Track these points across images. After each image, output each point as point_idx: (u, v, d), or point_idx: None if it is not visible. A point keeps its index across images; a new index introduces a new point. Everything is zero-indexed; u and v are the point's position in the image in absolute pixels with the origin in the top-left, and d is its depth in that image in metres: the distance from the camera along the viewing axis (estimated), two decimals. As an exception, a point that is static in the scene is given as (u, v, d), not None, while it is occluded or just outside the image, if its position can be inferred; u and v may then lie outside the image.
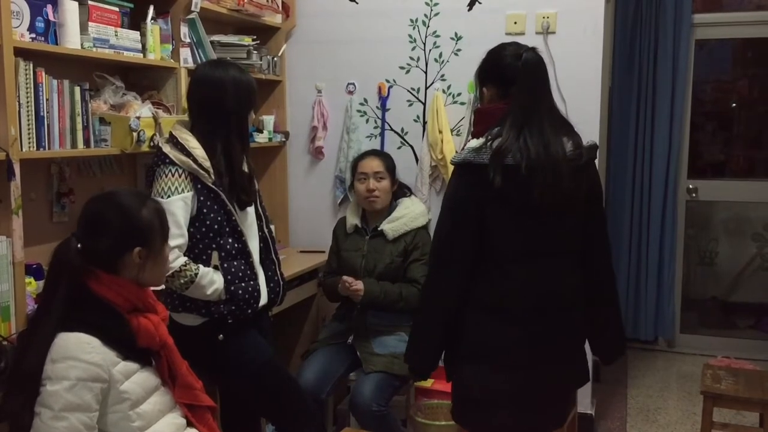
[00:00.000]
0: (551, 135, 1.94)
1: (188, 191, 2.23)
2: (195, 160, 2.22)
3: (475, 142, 1.98)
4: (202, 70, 2.39)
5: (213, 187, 2.25)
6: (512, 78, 1.99)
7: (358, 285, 2.98)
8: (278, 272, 2.51)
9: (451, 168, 3.36)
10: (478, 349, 2.04)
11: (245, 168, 2.38)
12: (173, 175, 2.21)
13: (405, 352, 2.22)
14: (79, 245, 1.69)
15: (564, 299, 2.04)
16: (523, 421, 2.05)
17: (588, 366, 2.23)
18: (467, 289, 2.02)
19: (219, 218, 2.27)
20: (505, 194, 1.91)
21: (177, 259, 2.18)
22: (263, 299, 2.41)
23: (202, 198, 2.25)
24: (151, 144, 2.55)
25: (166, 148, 2.25)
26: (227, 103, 2.29)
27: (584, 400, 3.38)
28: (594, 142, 2.09)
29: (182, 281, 2.19)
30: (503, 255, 1.99)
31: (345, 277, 3.02)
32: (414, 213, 3.17)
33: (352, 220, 3.22)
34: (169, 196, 2.19)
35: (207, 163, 2.24)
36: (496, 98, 2.06)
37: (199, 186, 2.25)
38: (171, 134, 2.31)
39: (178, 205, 2.19)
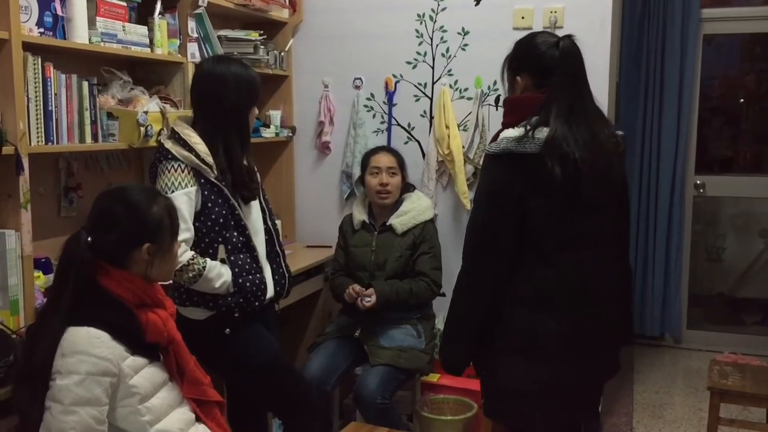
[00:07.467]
0: (597, 126, 1.90)
1: (192, 186, 2.23)
2: (197, 156, 2.23)
3: (513, 132, 1.89)
4: (204, 65, 2.38)
5: (216, 182, 2.26)
6: (550, 67, 1.92)
7: (371, 295, 2.95)
8: (283, 264, 2.50)
9: (458, 162, 3.42)
10: (515, 342, 1.96)
11: (245, 162, 2.37)
12: (176, 171, 2.22)
13: (440, 349, 2.15)
14: (89, 239, 1.70)
15: (603, 291, 1.99)
16: (559, 413, 2.01)
17: (618, 358, 2.15)
18: (505, 280, 1.95)
19: (224, 212, 2.28)
20: (551, 184, 1.84)
21: (184, 254, 2.18)
22: (270, 292, 2.41)
23: (206, 192, 2.25)
24: (159, 139, 2.56)
25: (168, 144, 2.25)
26: (228, 99, 2.28)
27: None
28: (623, 133, 2.05)
29: (190, 275, 2.19)
30: (544, 246, 1.92)
31: (348, 294, 3.00)
32: (421, 207, 3.18)
33: (360, 216, 3.21)
34: (172, 192, 2.19)
35: (210, 159, 2.24)
36: (531, 88, 1.99)
37: (202, 180, 2.25)
38: (173, 130, 2.31)
39: (182, 200, 2.19)
